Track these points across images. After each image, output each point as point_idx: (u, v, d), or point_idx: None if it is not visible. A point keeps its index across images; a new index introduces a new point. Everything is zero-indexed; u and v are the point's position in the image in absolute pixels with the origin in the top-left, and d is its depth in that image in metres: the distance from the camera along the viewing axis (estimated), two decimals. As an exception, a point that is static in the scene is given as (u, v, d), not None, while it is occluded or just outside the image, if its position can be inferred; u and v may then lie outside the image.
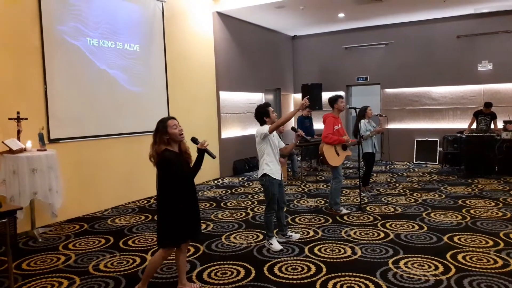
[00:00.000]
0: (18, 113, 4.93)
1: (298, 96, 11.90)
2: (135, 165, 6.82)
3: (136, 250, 4.42)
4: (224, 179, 8.76)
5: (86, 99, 6.05)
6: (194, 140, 3.29)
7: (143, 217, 5.80)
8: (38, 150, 4.97)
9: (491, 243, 4.34)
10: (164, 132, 3.05)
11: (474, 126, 8.70)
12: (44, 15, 5.46)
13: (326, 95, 10.63)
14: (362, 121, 6.61)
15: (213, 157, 3.23)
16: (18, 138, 4.88)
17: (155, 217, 3.26)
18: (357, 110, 6.60)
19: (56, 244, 4.71)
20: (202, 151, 3.17)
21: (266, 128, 4.22)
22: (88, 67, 6.08)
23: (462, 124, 9.65)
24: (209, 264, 3.94)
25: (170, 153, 3.04)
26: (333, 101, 5.66)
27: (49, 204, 4.93)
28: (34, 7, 5.38)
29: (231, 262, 4.00)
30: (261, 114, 4.32)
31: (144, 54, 7.03)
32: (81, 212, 5.97)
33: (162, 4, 7.38)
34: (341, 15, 9.54)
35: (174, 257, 3.47)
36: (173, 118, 3.14)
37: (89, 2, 6.10)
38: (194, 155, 3.22)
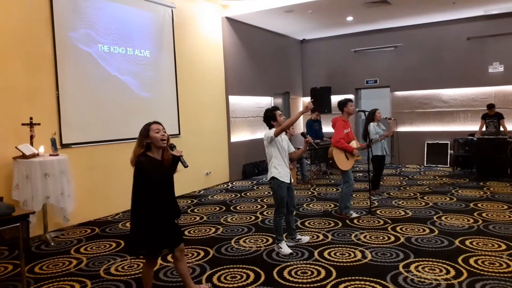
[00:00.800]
0: (31, 118, 5.02)
1: (307, 99, 11.89)
2: (145, 170, 6.85)
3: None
4: (234, 183, 8.78)
5: (97, 104, 6.13)
6: (171, 146, 3.16)
7: (153, 221, 5.82)
8: (50, 155, 5.05)
9: (503, 246, 4.28)
10: (145, 136, 2.97)
11: (484, 128, 8.64)
12: (57, 22, 5.56)
13: (335, 99, 10.61)
14: (371, 124, 6.59)
15: (185, 166, 3.17)
16: (31, 143, 4.96)
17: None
18: (366, 113, 6.57)
19: (68, 248, 4.77)
20: (176, 158, 3.10)
21: (273, 131, 4.24)
22: (99, 73, 6.16)
23: (473, 126, 9.55)
24: (218, 268, 3.95)
25: (146, 158, 2.93)
26: (342, 104, 5.65)
27: (61, 208, 5.00)
28: (46, 14, 5.48)
29: (241, 265, 4.01)
30: (268, 118, 4.36)
31: (154, 59, 7.11)
32: (92, 216, 6.04)
33: (172, 10, 7.46)
34: (350, 18, 9.54)
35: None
36: (158, 123, 3.04)
37: (100, 9, 6.20)
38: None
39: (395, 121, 6.75)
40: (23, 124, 5.00)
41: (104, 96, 6.25)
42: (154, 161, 2.98)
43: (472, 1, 8.35)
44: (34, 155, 4.86)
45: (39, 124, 5.09)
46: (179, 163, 3.14)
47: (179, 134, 7.55)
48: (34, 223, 4.76)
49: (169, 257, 4.27)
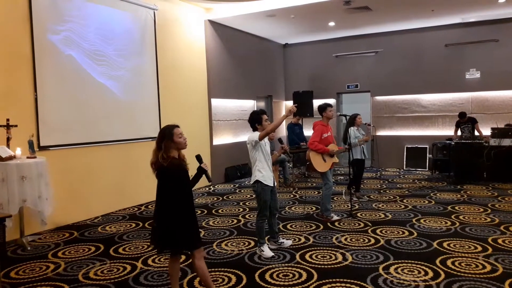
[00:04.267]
0: (7, 120, 4.89)
1: (290, 103, 11.96)
2: (126, 172, 6.79)
3: (126, 258, 4.39)
4: (216, 186, 8.75)
5: (77, 106, 6.03)
6: (199, 158, 3.32)
7: (133, 225, 5.76)
8: (27, 158, 4.93)
9: (479, 248, 4.39)
10: (170, 139, 3.02)
11: (459, 132, 8.88)
12: (35, 23, 5.45)
13: (317, 103, 10.69)
14: (351, 128, 6.70)
15: (210, 181, 3.38)
16: (8, 145, 4.84)
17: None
18: (347, 117, 6.67)
19: (45, 252, 4.66)
20: (202, 171, 3.23)
21: (257, 135, 4.25)
22: (79, 75, 6.06)
23: (451, 131, 9.75)
24: (200, 271, 3.92)
25: (177, 161, 3.03)
26: (322, 109, 5.72)
27: (38, 212, 4.88)
28: (25, 15, 5.37)
29: (223, 269, 3.99)
30: (254, 120, 4.36)
31: (135, 61, 7.04)
32: (71, 219, 5.92)
33: (154, 12, 7.41)
34: (332, 23, 9.65)
35: (167, 265, 3.43)
36: (178, 126, 3.11)
37: (81, 10, 6.11)
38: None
39: (373, 127, 6.87)
40: (-1, 126, 4.88)
41: (85, 98, 6.15)
42: (182, 163, 3.07)
43: (450, 9, 8.57)
44: (11, 158, 4.74)
45: (16, 126, 4.97)
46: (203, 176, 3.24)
47: (161, 136, 7.48)
48: (10, 227, 4.62)
49: (150, 261, 4.23)
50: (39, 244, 4.96)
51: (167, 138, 3.02)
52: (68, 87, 5.91)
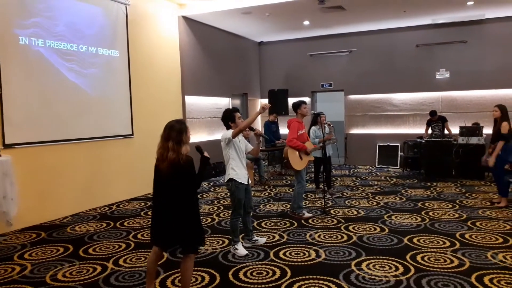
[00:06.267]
0: (-30, 116, 4.69)
1: (265, 101, 11.97)
2: (96, 171, 6.63)
3: (96, 258, 4.28)
4: (190, 185, 8.65)
5: (45, 103, 5.83)
6: (199, 149, 3.26)
7: (104, 224, 5.63)
8: (-9, 156, 4.74)
9: (448, 243, 4.51)
10: (186, 134, 3.00)
11: (429, 131, 9.12)
12: (0, 18, 5.24)
13: (292, 101, 10.76)
14: (313, 127, 6.75)
15: (213, 172, 3.29)
16: (-30, 143, 4.64)
17: (162, 222, 3.04)
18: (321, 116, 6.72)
19: (11, 254, 4.49)
20: (207, 160, 3.19)
21: (230, 132, 4.23)
22: (47, 70, 5.87)
23: (421, 129, 10.00)
24: (173, 271, 3.87)
25: (188, 157, 2.98)
26: (296, 106, 5.75)
27: (3, 212, 4.71)
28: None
29: (196, 268, 3.94)
30: (227, 118, 4.34)
31: (106, 57, 6.86)
32: (39, 220, 5.73)
33: (126, 7, 7.24)
34: (306, 22, 9.71)
35: (139, 265, 3.37)
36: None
37: (49, 4, 5.90)
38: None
39: (333, 127, 7.01)
40: (-39, 122, 4.66)
41: (53, 95, 5.96)
42: (191, 159, 3.02)
43: (421, 10, 8.76)
44: (-27, 156, 4.55)
45: (-21, 122, 4.77)
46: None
47: (132, 134, 7.35)
48: (-28, 228, 4.45)
49: (121, 261, 4.14)
50: (4, 246, 4.77)
51: (185, 132, 2.99)
52: (35, 84, 5.70)
